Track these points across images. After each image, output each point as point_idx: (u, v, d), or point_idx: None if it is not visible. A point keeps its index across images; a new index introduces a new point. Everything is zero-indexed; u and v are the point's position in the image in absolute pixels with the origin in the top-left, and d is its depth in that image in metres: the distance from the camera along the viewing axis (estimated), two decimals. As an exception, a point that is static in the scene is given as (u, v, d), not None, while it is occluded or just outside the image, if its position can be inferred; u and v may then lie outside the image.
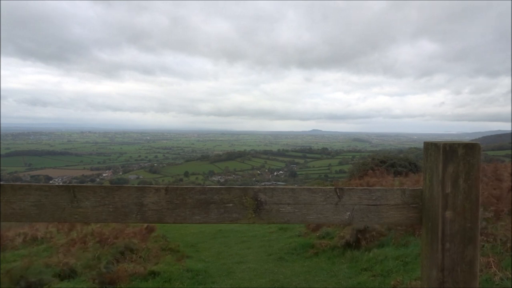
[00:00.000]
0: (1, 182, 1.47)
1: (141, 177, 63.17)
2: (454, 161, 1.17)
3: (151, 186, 1.27)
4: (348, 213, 1.28)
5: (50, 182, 40.27)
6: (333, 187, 1.29)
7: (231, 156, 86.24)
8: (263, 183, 47.71)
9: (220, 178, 63.08)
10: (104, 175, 65.62)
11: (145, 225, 7.15)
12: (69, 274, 4.92)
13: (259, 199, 1.27)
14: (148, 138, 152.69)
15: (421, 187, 1.29)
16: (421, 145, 1.33)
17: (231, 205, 1.27)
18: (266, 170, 72.21)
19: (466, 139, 1.75)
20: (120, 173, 68.77)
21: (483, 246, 4.15)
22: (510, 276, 3.50)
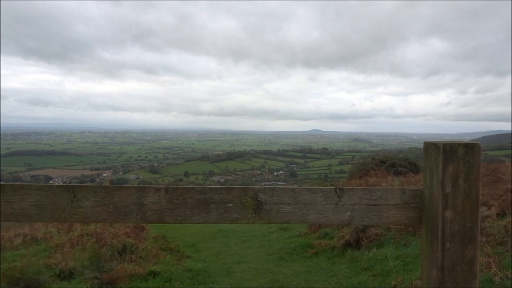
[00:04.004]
0: (1, 182, 1.47)
1: (141, 177, 63.14)
2: (454, 161, 1.17)
3: (151, 186, 1.27)
4: (348, 213, 1.28)
5: (50, 182, 40.27)
6: (333, 187, 1.29)
7: (231, 156, 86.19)
8: (263, 183, 47.71)
9: (220, 178, 63.06)
10: (104, 175, 65.59)
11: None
12: (68, 274, 4.92)
13: (259, 199, 1.27)
14: (148, 138, 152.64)
15: (421, 187, 1.29)
16: (421, 145, 1.33)
17: (231, 205, 1.27)
18: (266, 170, 72.18)
19: (466, 139, 1.74)
20: (120, 173, 68.75)
21: (483, 246, 4.15)
22: (510, 276, 3.51)
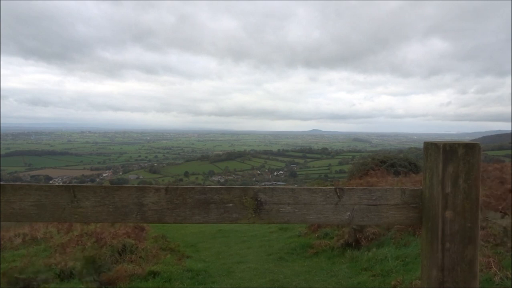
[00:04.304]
0: (1, 182, 1.47)
1: (141, 177, 63.14)
2: (454, 161, 1.17)
3: (151, 186, 1.27)
4: (348, 213, 1.28)
5: (50, 182, 40.26)
6: (333, 187, 1.29)
7: (231, 156, 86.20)
8: (263, 183, 47.70)
9: (220, 178, 63.05)
10: (104, 175, 65.58)
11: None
12: (68, 274, 4.92)
13: (259, 199, 1.27)
14: (148, 138, 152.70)
15: (421, 187, 1.29)
16: (421, 145, 1.33)
17: (231, 205, 1.27)
18: (266, 170, 72.17)
19: (466, 139, 1.74)
20: (120, 173, 68.74)
21: (483, 246, 4.15)
22: (510, 276, 3.51)
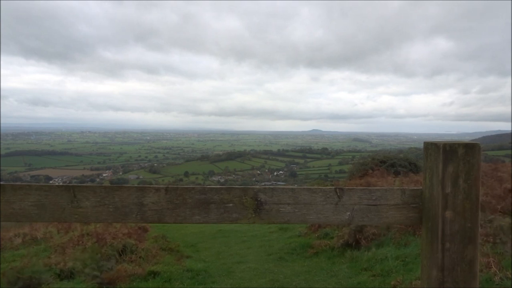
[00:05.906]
0: (1, 182, 1.47)
1: (141, 177, 63.14)
2: (454, 161, 1.17)
3: (151, 186, 1.27)
4: (348, 213, 1.28)
5: (50, 182, 40.26)
6: (333, 187, 1.29)
7: (231, 156, 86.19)
8: (263, 183, 47.69)
9: (220, 178, 63.05)
10: (104, 175, 65.58)
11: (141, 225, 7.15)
12: (68, 274, 4.91)
13: (259, 199, 1.27)
14: (148, 138, 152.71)
15: (421, 187, 1.29)
16: (421, 145, 1.33)
17: (231, 205, 1.27)
18: (266, 170, 72.17)
19: (466, 139, 1.74)
20: (120, 173, 68.74)
21: (483, 246, 4.15)
22: (510, 276, 3.51)
